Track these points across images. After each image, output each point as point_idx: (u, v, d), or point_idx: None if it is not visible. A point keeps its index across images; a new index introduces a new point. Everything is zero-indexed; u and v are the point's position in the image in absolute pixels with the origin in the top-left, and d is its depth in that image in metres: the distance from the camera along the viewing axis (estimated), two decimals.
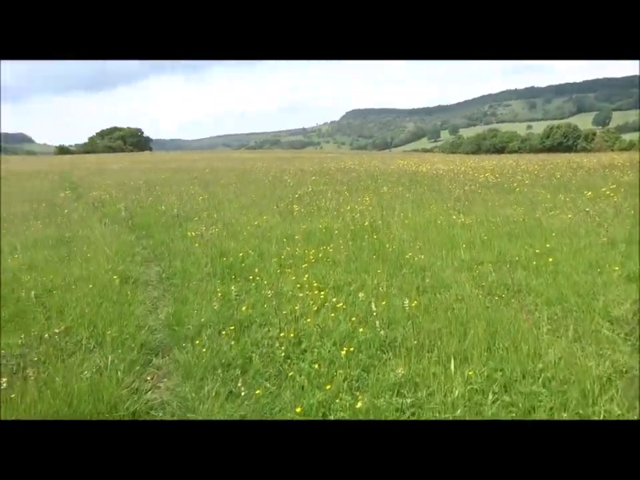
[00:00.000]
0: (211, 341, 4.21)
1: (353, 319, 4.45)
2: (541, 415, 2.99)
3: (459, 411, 3.11)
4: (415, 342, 3.96)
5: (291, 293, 5.32)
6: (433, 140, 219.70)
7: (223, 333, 4.29)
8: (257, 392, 3.41)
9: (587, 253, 6.15)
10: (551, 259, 5.86)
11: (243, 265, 6.35)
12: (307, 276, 5.75)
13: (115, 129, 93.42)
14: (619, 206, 8.54)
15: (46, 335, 4.16)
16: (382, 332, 4.12)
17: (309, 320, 4.44)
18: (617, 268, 5.39)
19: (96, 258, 6.86)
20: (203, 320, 4.56)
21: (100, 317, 4.70)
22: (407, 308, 4.35)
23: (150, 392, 3.61)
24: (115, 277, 5.87)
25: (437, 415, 3.09)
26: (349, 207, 9.58)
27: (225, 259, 6.53)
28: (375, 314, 4.32)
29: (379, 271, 5.84)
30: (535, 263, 5.86)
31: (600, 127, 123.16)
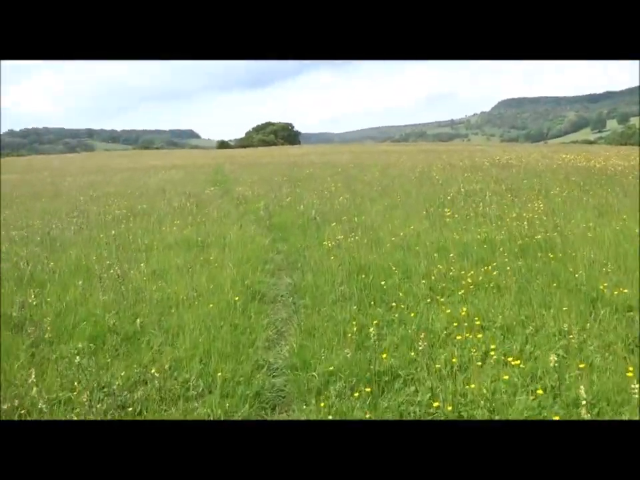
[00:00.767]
0: (339, 401, 3.25)
1: (538, 388, 3.16)
2: None
3: None
4: None
5: (444, 332, 4.16)
6: (597, 130, 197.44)
7: (356, 394, 3.28)
8: None
9: None
10: None
11: (385, 285, 5.31)
12: (464, 308, 4.52)
13: (268, 124, 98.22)
14: None
15: (152, 371, 3.54)
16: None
17: (472, 386, 3.24)
18: None
19: (226, 265, 6.32)
20: (332, 368, 3.61)
21: (215, 348, 4.00)
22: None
23: None
24: (238, 297, 5.19)
25: None
26: (514, 214, 7.99)
27: (363, 276, 5.55)
28: (582, 395, 2.90)
29: (564, 308, 4.39)
30: None
31: None
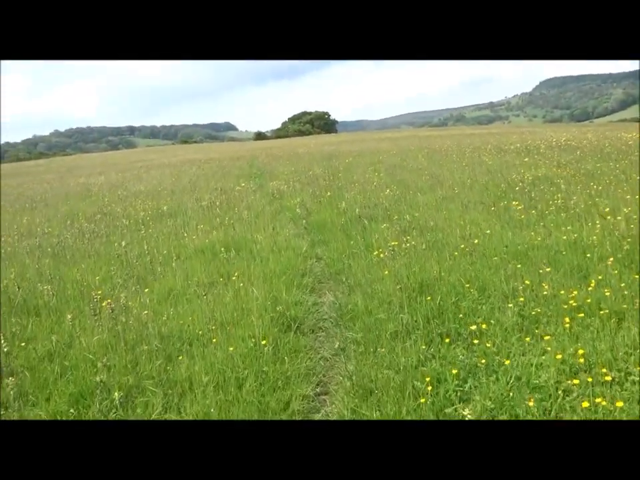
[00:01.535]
0: None
1: None
2: None
3: None
4: None
5: (560, 391, 2.90)
6: None
7: None
8: None
9: None
10: None
11: (458, 310, 4.06)
12: (579, 350, 3.23)
13: (304, 113, 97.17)
14: None
15: None
16: None
17: None
18: None
19: (255, 282, 5.21)
20: None
21: (233, 414, 2.87)
22: None
23: None
24: (267, 330, 4.04)
25: None
26: (607, 208, 6.52)
27: (428, 297, 4.31)
28: None
29: None
30: None
31: None
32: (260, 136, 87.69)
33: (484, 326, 3.73)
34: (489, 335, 3.67)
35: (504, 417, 2.76)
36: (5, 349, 3.78)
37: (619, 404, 2.67)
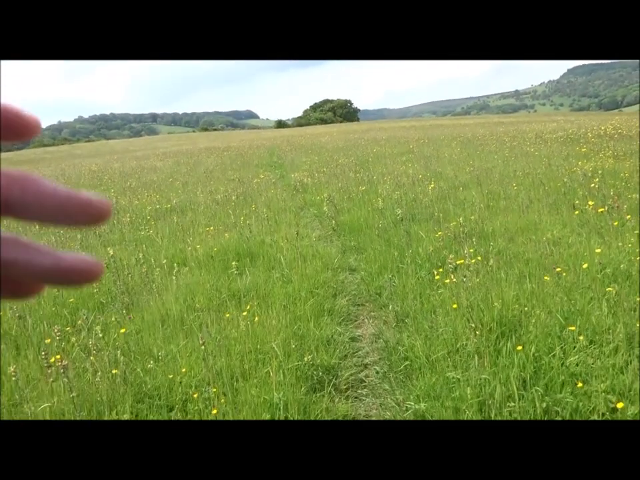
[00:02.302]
0: None
1: None
2: None
3: None
4: None
5: None
6: None
7: None
8: None
9: None
10: None
11: (567, 371, 2.80)
12: None
13: (326, 101, 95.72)
14: None
15: None
16: None
17: None
18: None
19: (274, 306, 4.01)
20: None
21: None
22: None
23: None
24: (290, 403, 2.81)
25: None
26: None
27: (519, 346, 3.04)
28: None
29: None
30: None
31: None
32: (281, 124, 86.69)
33: (620, 404, 2.47)
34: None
35: None
36: None
37: None
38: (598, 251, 4.48)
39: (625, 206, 5.56)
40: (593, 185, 7.50)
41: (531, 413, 2.57)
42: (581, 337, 3.06)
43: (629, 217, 4.94)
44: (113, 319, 3.82)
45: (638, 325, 3.11)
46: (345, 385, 3.13)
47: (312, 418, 2.71)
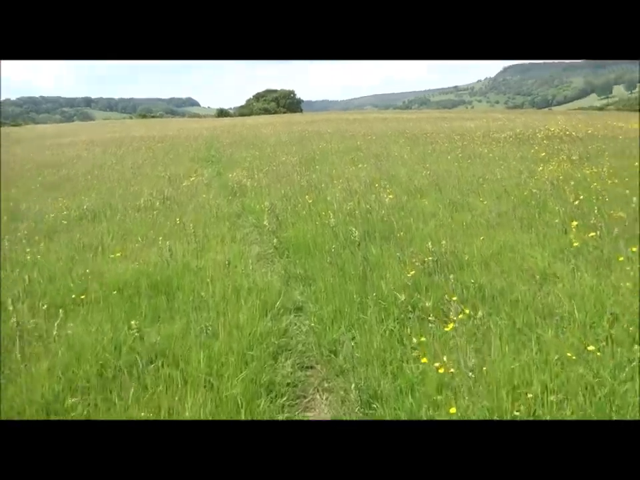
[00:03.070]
0: None
1: None
2: None
3: None
4: None
5: None
6: (604, 97, 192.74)
7: None
8: None
9: None
10: None
11: None
12: None
13: (269, 91, 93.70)
14: None
15: None
16: None
17: None
18: None
19: (193, 382, 2.86)
20: None
21: None
22: None
23: None
24: None
25: None
26: None
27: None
28: None
29: None
30: None
31: None
32: (223, 113, 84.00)
33: None
34: None
35: None
36: None
37: None
38: (589, 285, 3.62)
39: (616, 229, 4.77)
40: (566, 197, 6.79)
41: None
42: None
43: (634, 249, 4.10)
44: None
45: None
46: None
47: None
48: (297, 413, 2.86)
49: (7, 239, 5.78)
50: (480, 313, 3.23)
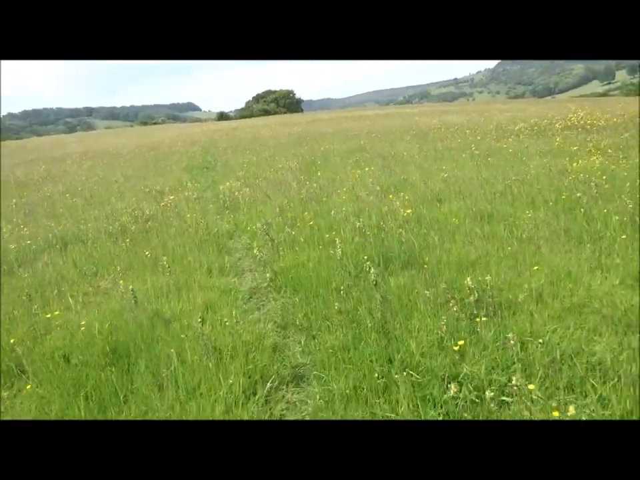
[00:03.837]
0: None
1: None
2: None
3: None
4: None
5: None
6: (607, 82, 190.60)
7: None
8: None
9: None
10: None
11: None
12: None
13: (269, 92, 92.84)
14: None
15: None
16: None
17: None
18: None
19: None
20: None
21: None
22: None
23: None
24: None
25: None
26: None
27: None
28: None
29: None
30: None
31: None
32: (223, 116, 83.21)
33: None
34: None
35: None
36: None
37: None
38: None
39: None
40: (615, 200, 5.68)
41: None
42: None
43: None
44: None
45: None
46: None
47: None
48: None
49: None
50: (571, 410, 2.14)
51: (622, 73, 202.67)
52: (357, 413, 2.61)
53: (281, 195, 7.72)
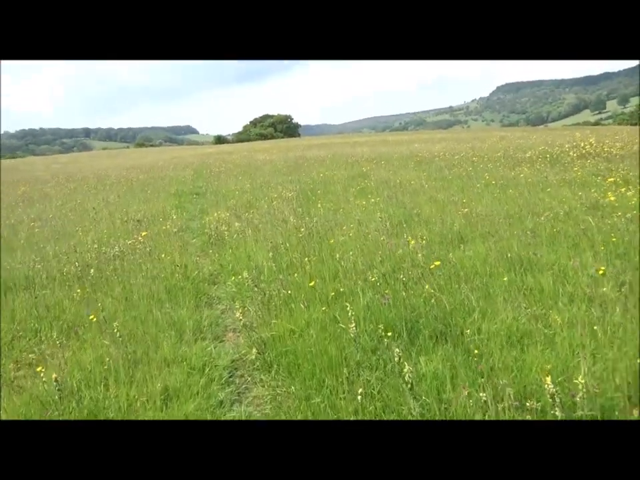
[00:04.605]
0: None
1: None
2: None
3: None
4: None
5: None
6: (597, 112, 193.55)
7: None
8: None
9: None
10: None
11: None
12: None
13: (266, 117, 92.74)
14: None
15: None
16: None
17: None
18: None
19: None
20: None
21: None
22: None
23: None
24: None
25: None
26: None
27: None
28: None
29: None
30: None
31: None
32: (220, 140, 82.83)
33: None
34: None
35: None
36: None
37: None
38: None
39: None
40: None
41: None
42: None
43: None
44: None
45: None
46: None
47: None
48: None
49: None
50: None
51: (612, 102, 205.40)
52: None
53: (276, 231, 6.63)
